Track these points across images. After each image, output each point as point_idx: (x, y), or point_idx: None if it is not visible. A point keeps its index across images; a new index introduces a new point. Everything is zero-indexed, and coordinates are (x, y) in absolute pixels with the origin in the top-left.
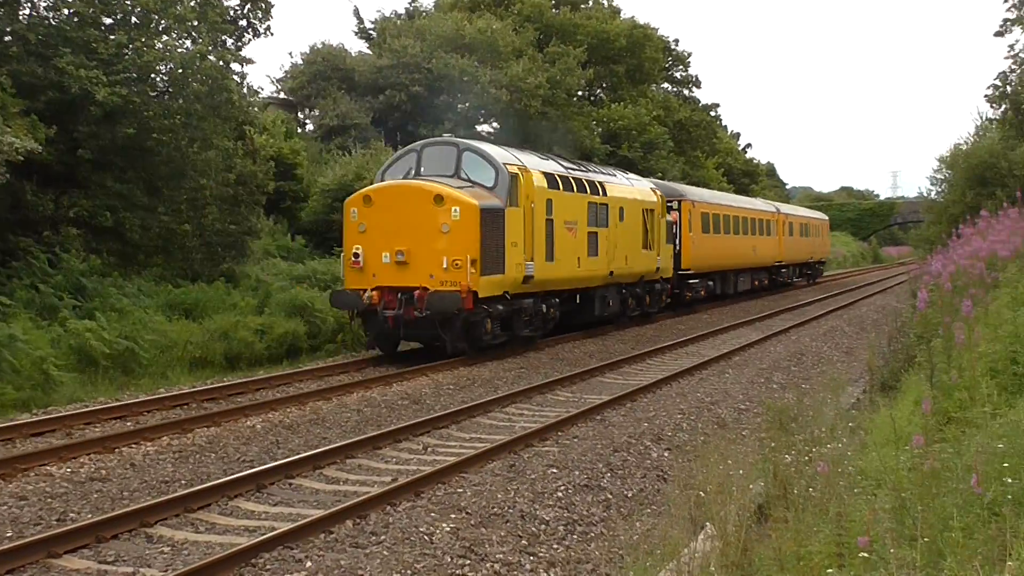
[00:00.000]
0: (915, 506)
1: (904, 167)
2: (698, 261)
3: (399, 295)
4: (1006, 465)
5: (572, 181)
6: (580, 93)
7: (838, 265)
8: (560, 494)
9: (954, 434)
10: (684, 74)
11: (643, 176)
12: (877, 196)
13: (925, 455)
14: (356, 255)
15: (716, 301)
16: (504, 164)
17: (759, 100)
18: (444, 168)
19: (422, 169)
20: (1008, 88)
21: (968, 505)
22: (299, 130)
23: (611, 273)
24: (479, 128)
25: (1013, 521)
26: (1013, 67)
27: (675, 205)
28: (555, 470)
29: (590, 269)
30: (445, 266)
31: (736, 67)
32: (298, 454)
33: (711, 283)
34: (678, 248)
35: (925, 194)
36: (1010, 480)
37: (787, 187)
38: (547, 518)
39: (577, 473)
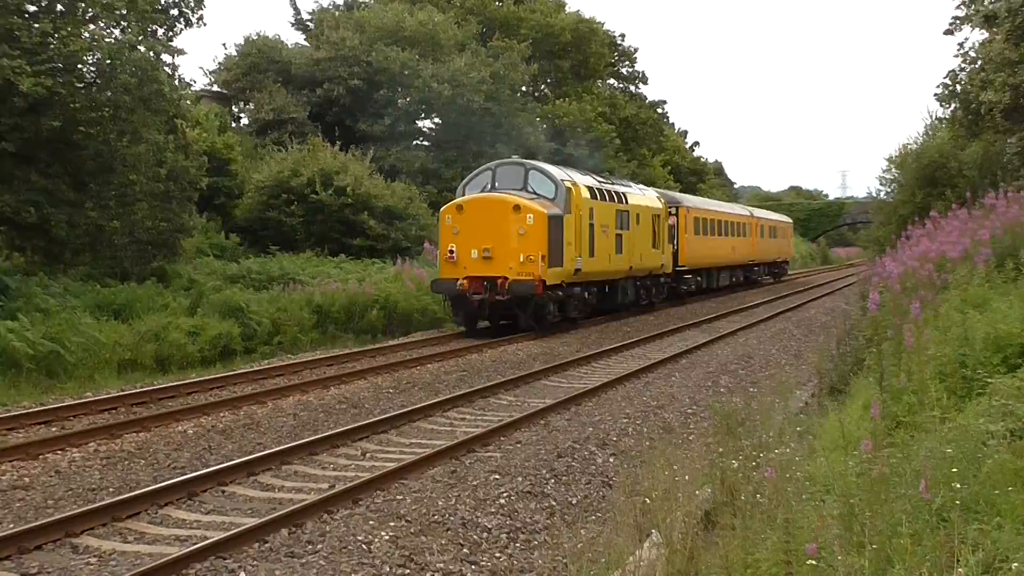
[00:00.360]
0: (863, 512)
1: (853, 167)
2: (692, 259)
3: (484, 283)
4: (955, 470)
5: (605, 192)
6: (524, 88)
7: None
8: (503, 501)
9: (903, 439)
10: (630, 70)
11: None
12: (826, 196)
13: (874, 460)
14: (451, 252)
15: (702, 295)
16: (562, 180)
17: (707, 98)
18: (514, 183)
19: (496, 184)
20: (958, 87)
21: (917, 511)
22: (233, 124)
23: (630, 268)
24: (419, 124)
25: (961, 527)
26: (963, 65)
27: (674, 211)
28: (497, 476)
29: (617, 264)
30: (522, 260)
31: (683, 64)
32: (231, 460)
33: (699, 278)
34: (676, 248)
35: (874, 194)
36: (958, 486)
37: (735, 186)
38: (489, 526)
39: (520, 479)
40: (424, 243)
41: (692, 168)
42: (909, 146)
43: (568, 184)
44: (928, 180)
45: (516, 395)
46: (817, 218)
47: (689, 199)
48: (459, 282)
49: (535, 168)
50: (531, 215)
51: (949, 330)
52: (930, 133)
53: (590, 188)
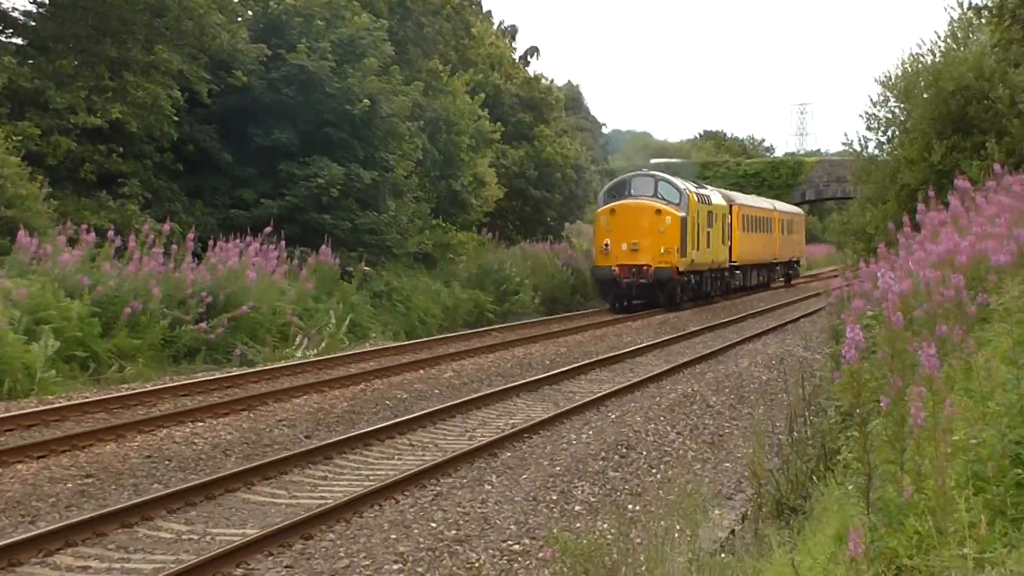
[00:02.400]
0: None
1: (818, 98)
2: (741, 256)
3: (632, 270)
4: None
5: (702, 196)
6: None
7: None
8: None
9: None
10: None
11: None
12: (769, 150)
13: None
14: (607, 245)
15: (738, 293)
16: (684, 188)
17: None
18: (646, 191)
19: (631, 191)
20: None
21: None
22: None
23: (712, 261)
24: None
25: None
26: None
27: (728, 208)
28: None
29: (707, 258)
30: (662, 252)
31: None
32: None
33: (741, 275)
34: (730, 245)
35: (857, 148)
36: None
37: (604, 130)
38: None
39: None
40: (19, 231)
41: (527, 97)
42: (922, 59)
43: (688, 192)
44: (955, 121)
45: (187, 520)
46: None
47: (739, 196)
48: (612, 269)
49: (663, 179)
50: (669, 217)
51: (991, 397)
52: (959, 37)
53: (696, 194)
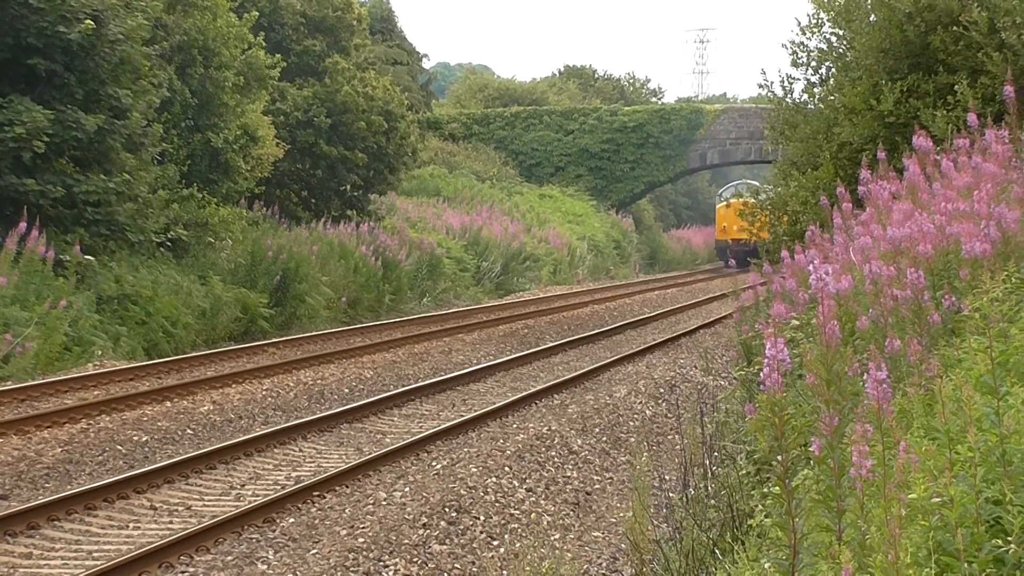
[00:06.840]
0: None
1: (724, 23)
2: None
3: (739, 242)
4: None
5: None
6: None
7: (555, 273)
8: None
9: None
10: None
11: None
12: (656, 94)
13: None
14: (724, 227)
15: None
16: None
17: None
18: (748, 193)
19: (739, 193)
20: None
21: None
22: None
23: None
24: None
25: None
26: None
27: None
28: None
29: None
30: (757, 231)
31: None
32: None
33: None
34: None
35: (779, 91)
36: None
37: (425, 63)
38: None
39: None
40: None
41: (316, 16)
42: None
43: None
44: (913, 54)
45: None
46: (633, 149)
47: None
48: (727, 241)
49: (758, 186)
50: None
51: (962, 439)
52: None
53: None
